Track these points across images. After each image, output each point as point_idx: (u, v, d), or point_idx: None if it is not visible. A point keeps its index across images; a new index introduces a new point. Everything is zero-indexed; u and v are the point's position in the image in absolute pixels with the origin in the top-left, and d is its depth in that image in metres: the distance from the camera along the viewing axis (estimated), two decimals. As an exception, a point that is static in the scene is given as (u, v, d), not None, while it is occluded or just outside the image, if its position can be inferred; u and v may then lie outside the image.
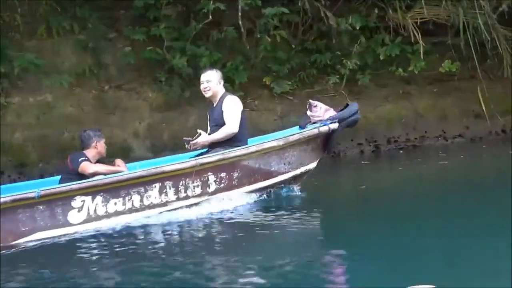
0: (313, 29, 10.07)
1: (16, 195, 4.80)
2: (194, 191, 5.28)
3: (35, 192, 4.78)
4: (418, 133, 10.13)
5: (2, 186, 5.65)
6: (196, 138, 5.48)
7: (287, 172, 5.71)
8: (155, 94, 9.26)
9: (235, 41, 9.46)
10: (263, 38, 9.37)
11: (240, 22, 9.15)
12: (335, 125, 5.65)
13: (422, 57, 9.86)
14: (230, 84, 9.21)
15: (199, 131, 5.54)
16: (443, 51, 10.40)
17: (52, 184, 5.25)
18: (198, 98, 9.12)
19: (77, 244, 4.77)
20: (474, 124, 10.42)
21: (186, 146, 5.53)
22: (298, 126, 5.93)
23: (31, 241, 4.81)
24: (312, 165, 5.90)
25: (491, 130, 10.38)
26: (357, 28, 9.72)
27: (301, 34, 10.13)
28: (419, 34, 9.89)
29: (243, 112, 5.62)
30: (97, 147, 5.53)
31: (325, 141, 5.82)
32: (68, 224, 4.93)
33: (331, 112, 5.78)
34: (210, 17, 8.91)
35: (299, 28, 10.08)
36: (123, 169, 5.47)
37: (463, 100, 10.52)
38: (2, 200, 4.74)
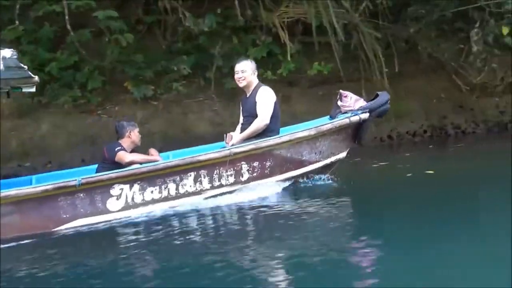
0: (179, 30, 9.65)
1: (58, 183, 4.95)
2: (227, 179, 5.39)
3: (76, 180, 4.94)
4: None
5: (35, 176, 5.83)
6: (229, 142, 5.60)
7: (318, 162, 5.78)
8: (9, 101, 8.68)
9: (92, 44, 9.18)
10: (111, 41, 9.08)
11: (68, 26, 8.86)
12: (365, 115, 5.69)
13: (289, 59, 9.34)
14: (80, 90, 8.95)
15: (229, 134, 5.68)
16: (327, 51, 9.76)
17: (87, 173, 5.40)
18: (51, 105, 8.94)
19: (116, 231, 4.93)
20: (357, 129, 9.74)
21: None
22: (328, 116, 5.98)
23: (72, 227, 4.98)
24: (342, 154, 5.97)
25: (376, 136, 9.72)
26: (205, 28, 9.20)
27: (169, 35, 9.72)
28: (286, 33, 9.35)
29: (276, 103, 5.69)
30: (131, 136, 5.67)
31: (355, 131, 5.87)
32: (107, 211, 5.09)
33: (362, 102, 5.81)
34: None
35: (168, 29, 9.70)
36: (158, 158, 5.61)
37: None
38: (45, 187, 4.91)
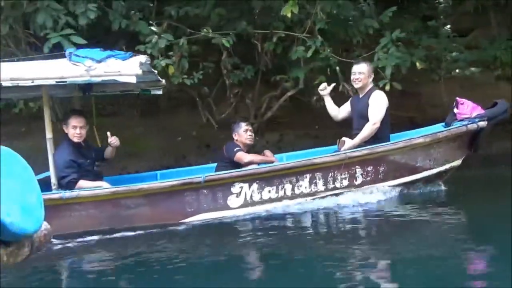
0: None
1: (185, 179, 5.33)
2: (341, 183, 5.53)
3: (201, 177, 5.29)
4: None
5: (160, 172, 6.27)
6: (342, 147, 5.72)
7: (432, 169, 5.78)
8: None
9: None
10: None
11: None
12: (483, 123, 5.63)
13: None
14: None
15: (342, 140, 5.78)
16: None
17: (207, 171, 5.72)
18: None
19: (235, 226, 5.23)
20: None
21: None
22: (443, 123, 5.95)
23: (195, 221, 5.33)
24: (457, 162, 5.92)
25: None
26: None
27: None
28: None
29: (387, 109, 5.76)
30: (237, 136, 5.94)
31: (472, 139, 5.81)
32: (227, 207, 5.39)
33: (479, 110, 5.74)
34: None
35: None
36: (273, 159, 5.87)
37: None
38: (172, 183, 5.31)
